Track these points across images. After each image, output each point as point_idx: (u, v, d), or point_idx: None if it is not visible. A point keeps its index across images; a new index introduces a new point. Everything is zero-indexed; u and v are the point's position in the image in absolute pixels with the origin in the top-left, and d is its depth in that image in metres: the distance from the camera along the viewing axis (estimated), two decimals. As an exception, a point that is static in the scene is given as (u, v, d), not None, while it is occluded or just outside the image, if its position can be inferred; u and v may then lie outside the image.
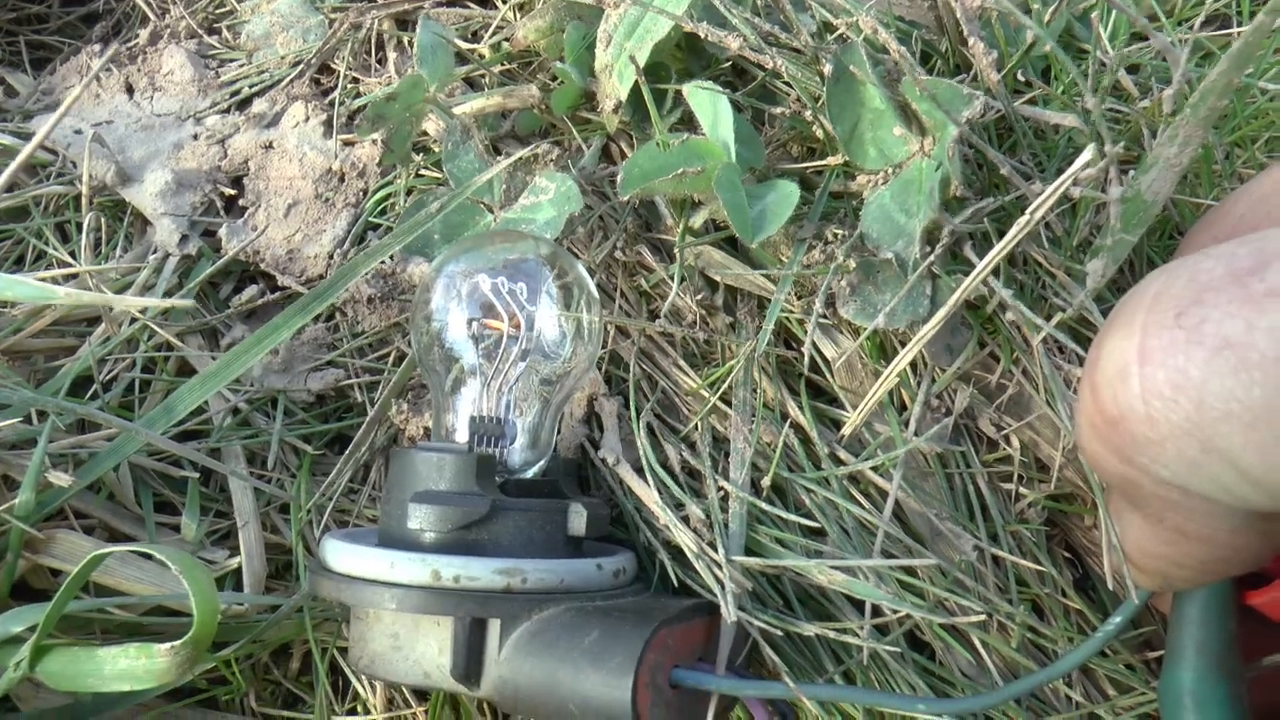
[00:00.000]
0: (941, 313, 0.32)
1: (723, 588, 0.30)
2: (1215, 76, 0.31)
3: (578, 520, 0.31)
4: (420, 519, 0.30)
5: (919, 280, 0.34)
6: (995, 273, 0.32)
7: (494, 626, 0.30)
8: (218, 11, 0.54)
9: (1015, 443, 0.35)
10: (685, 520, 0.32)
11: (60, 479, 0.33)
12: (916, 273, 0.33)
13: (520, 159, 0.38)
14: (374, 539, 0.33)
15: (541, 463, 0.33)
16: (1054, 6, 0.38)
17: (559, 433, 0.36)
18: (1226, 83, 0.31)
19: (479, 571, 0.29)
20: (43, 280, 0.40)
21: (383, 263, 0.40)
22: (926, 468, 0.34)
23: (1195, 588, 0.28)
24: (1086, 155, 0.29)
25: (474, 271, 0.34)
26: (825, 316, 0.35)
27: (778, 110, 0.39)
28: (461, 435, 0.33)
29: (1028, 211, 0.30)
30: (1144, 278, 0.23)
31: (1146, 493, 0.23)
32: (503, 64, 0.46)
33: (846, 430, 0.32)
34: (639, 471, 0.33)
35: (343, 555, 0.31)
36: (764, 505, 0.32)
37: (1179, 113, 0.32)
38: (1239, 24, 0.43)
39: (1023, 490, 0.35)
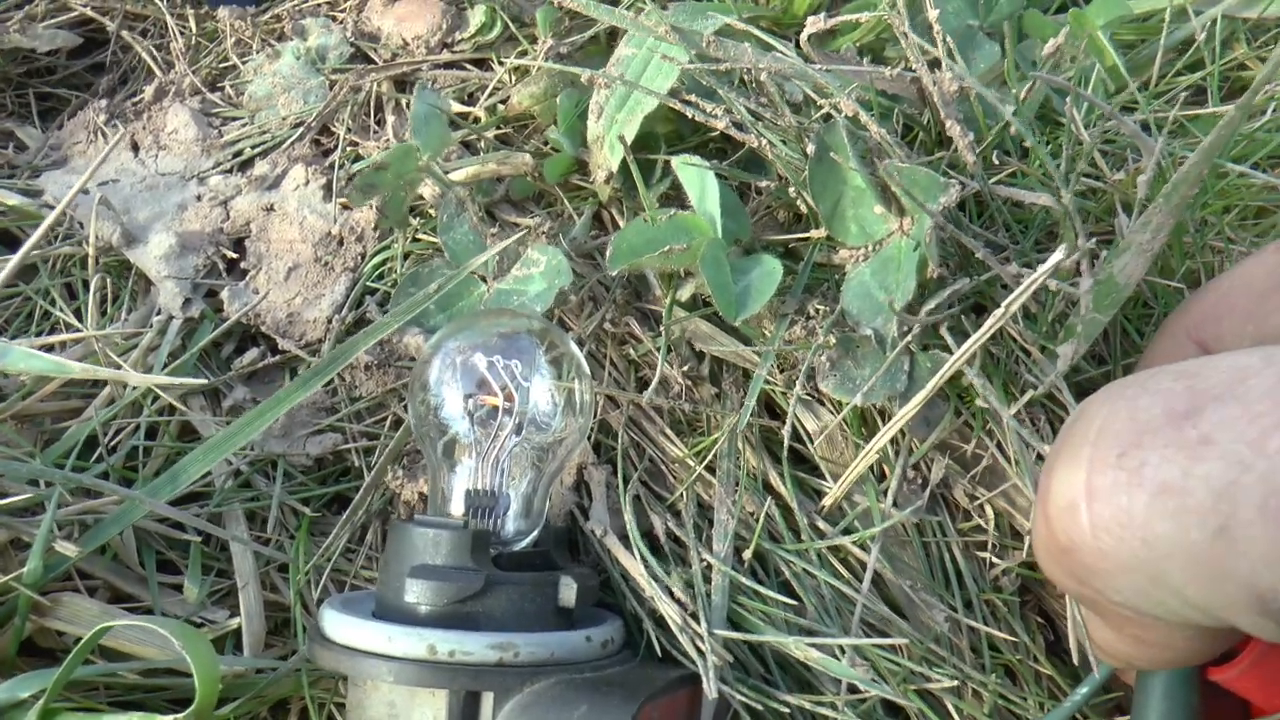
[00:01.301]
0: (919, 396, 0.33)
1: (704, 660, 0.31)
2: (1187, 168, 0.32)
3: (568, 593, 0.32)
4: (417, 593, 0.31)
5: (897, 357, 0.35)
6: (970, 358, 0.33)
7: (487, 699, 0.31)
8: (221, 67, 0.56)
9: (989, 512, 0.36)
10: (669, 591, 0.33)
11: (67, 549, 0.35)
12: (895, 351, 0.35)
13: (517, 237, 0.39)
14: (371, 606, 0.34)
15: (534, 533, 0.35)
16: (1027, 86, 0.39)
17: (550, 501, 0.37)
18: (1198, 173, 0.32)
19: (473, 646, 0.31)
20: (50, 345, 0.42)
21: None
22: (904, 536, 0.35)
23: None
24: (1058, 255, 0.30)
25: (469, 349, 0.35)
26: (808, 393, 0.36)
27: (763, 183, 0.40)
28: (457, 507, 0.34)
29: (1002, 305, 0.31)
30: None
31: (1103, 608, 0.25)
32: (499, 127, 0.48)
33: (827, 502, 0.34)
34: (625, 542, 0.34)
35: (341, 626, 0.32)
36: (744, 579, 0.33)
37: (1152, 199, 0.33)
38: (1212, 97, 0.44)
39: (995, 559, 0.36)
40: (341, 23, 0.53)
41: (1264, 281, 0.28)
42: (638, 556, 0.34)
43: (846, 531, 0.34)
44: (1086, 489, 0.22)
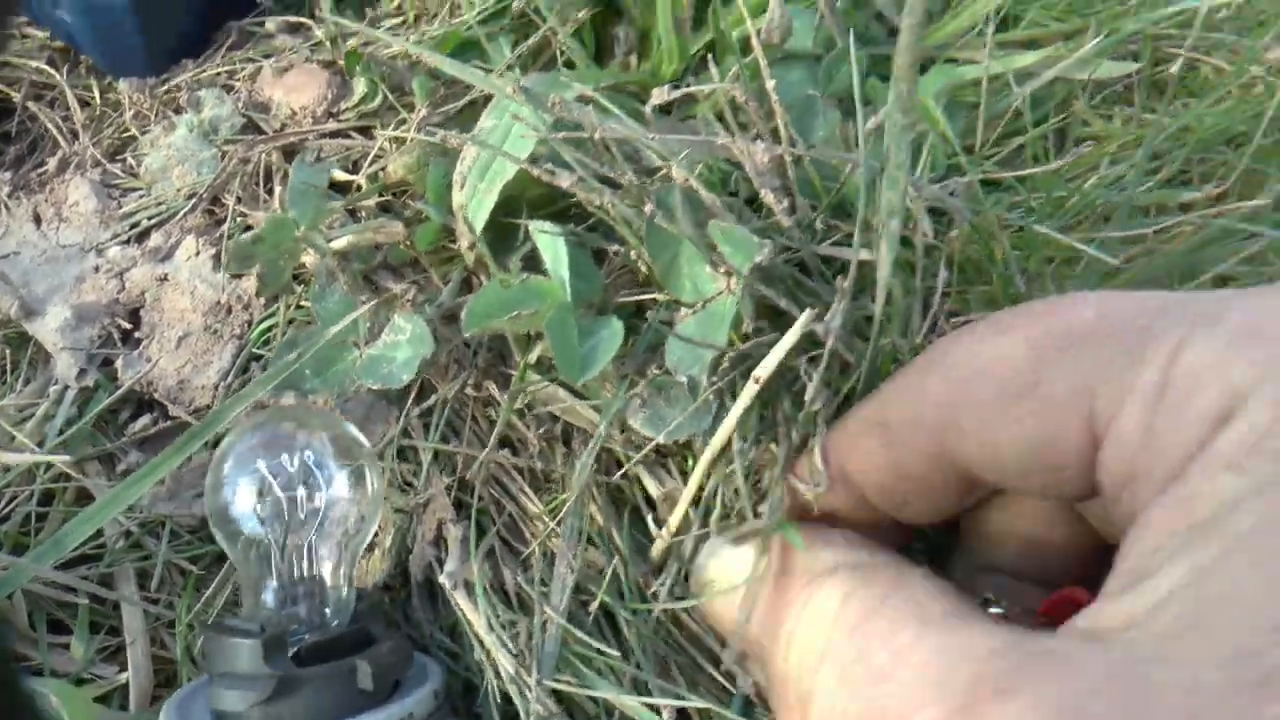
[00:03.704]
0: (717, 436, 0.36)
1: (527, 706, 0.34)
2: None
3: (365, 678, 0.34)
4: (222, 700, 0.34)
5: (704, 401, 0.38)
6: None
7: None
8: (122, 137, 0.58)
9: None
10: (503, 643, 0.36)
11: (-45, 616, 0.37)
12: (702, 395, 0.38)
13: (378, 303, 0.42)
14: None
15: (345, 615, 0.37)
16: (850, 167, 0.42)
17: (410, 553, 0.40)
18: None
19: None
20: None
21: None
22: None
23: None
24: (799, 324, 0.33)
25: (257, 448, 0.37)
26: (652, 455, 0.39)
27: (613, 248, 0.43)
28: (266, 600, 0.37)
29: (760, 365, 0.34)
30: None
31: None
32: (380, 194, 0.50)
33: (654, 554, 0.37)
34: (471, 594, 0.37)
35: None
36: (577, 632, 0.36)
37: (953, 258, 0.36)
38: (1033, 157, 0.48)
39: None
40: (235, 93, 0.56)
41: (1011, 383, 0.26)
42: (480, 609, 0.36)
43: (674, 586, 0.36)
44: None
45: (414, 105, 0.52)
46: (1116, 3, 0.57)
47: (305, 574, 0.37)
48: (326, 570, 0.37)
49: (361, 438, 0.38)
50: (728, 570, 0.33)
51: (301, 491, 0.36)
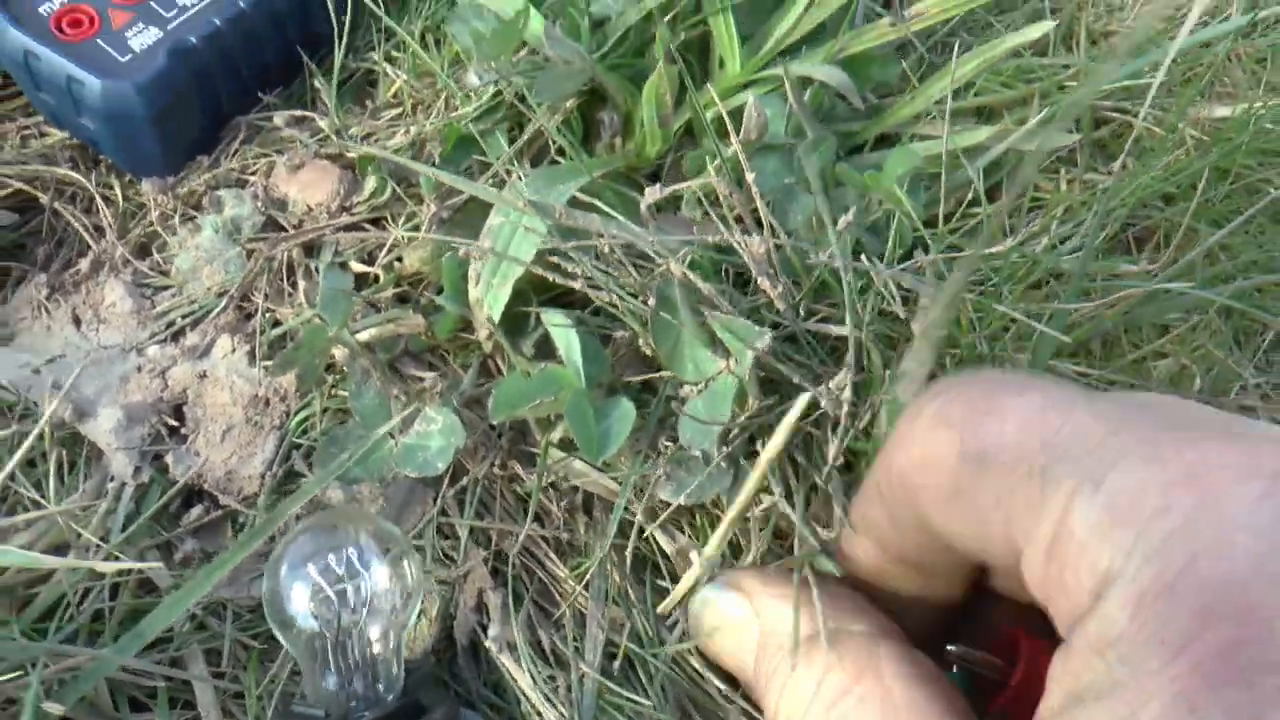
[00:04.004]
0: (739, 500, 0.41)
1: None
2: (935, 316, 0.40)
3: None
4: None
5: (718, 467, 0.43)
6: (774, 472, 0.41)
7: None
8: (148, 231, 0.62)
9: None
10: (548, 698, 0.41)
11: (54, 709, 0.41)
12: (714, 461, 0.43)
13: (411, 399, 0.46)
14: None
15: (397, 688, 0.41)
16: (827, 251, 0.47)
17: (454, 619, 0.44)
18: (945, 318, 0.41)
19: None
20: (16, 522, 0.48)
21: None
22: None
23: None
24: (801, 401, 0.38)
25: (308, 552, 0.41)
26: (668, 520, 0.44)
27: (618, 334, 0.48)
28: (328, 684, 0.41)
29: (776, 431, 0.39)
30: None
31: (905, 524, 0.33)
32: (397, 285, 0.55)
33: (663, 609, 0.42)
34: (515, 655, 0.42)
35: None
36: (609, 684, 0.41)
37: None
38: (996, 235, 0.53)
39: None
40: (252, 188, 0.60)
41: (946, 485, 0.29)
42: (524, 668, 0.41)
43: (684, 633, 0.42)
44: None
45: (421, 196, 0.56)
46: (1059, 68, 0.63)
47: (359, 658, 0.41)
48: (377, 650, 0.42)
49: (396, 530, 0.43)
50: (721, 617, 0.38)
51: (349, 587, 0.41)
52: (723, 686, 0.42)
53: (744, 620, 0.37)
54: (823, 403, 0.39)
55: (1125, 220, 0.59)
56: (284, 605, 0.41)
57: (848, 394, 0.40)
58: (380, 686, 0.42)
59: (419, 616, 0.46)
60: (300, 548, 0.42)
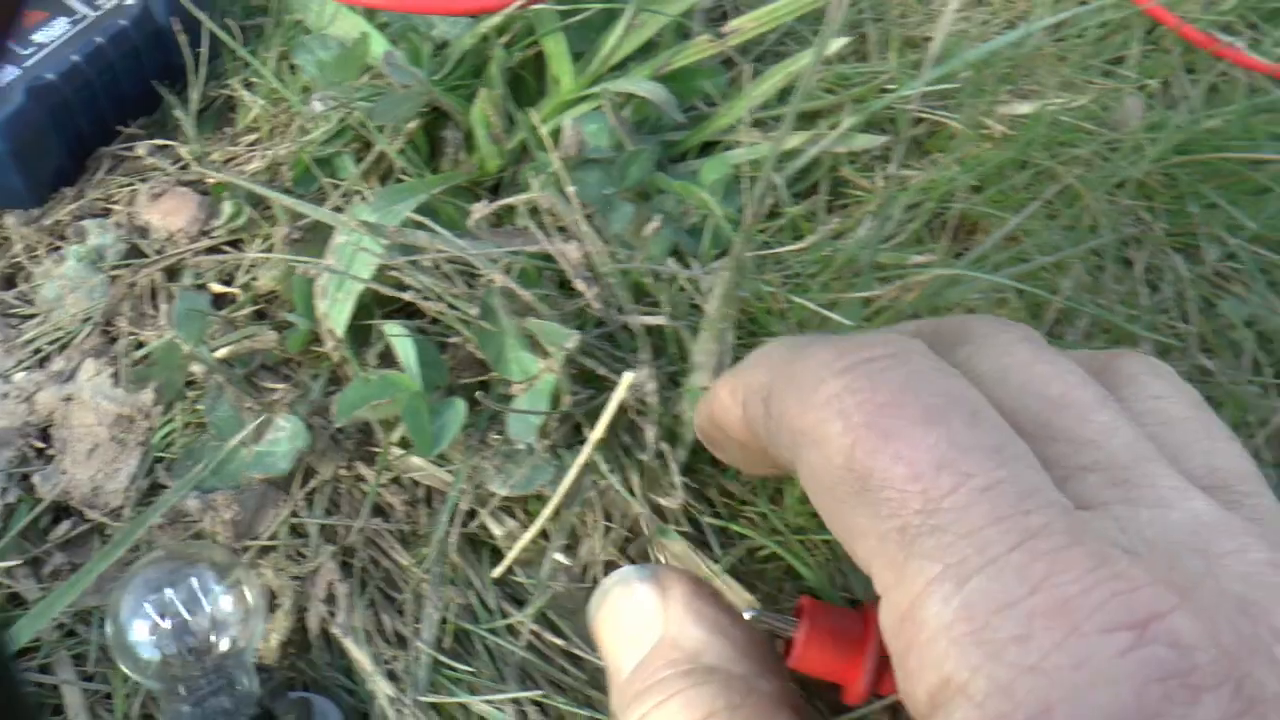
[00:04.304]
0: (561, 486, 0.46)
1: (405, 724, 0.43)
2: (714, 310, 0.45)
3: None
4: None
5: (539, 458, 0.47)
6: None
7: None
8: (13, 263, 0.64)
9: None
10: (388, 674, 0.44)
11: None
12: (534, 454, 0.47)
13: (261, 410, 0.50)
14: None
15: (249, 701, 0.44)
16: (639, 256, 0.51)
17: (306, 611, 0.48)
18: (723, 312, 0.45)
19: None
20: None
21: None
22: (571, 605, 0.47)
23: None
24: (629, 375, 0.42)
25: (147, 588, 0.44)
26: (498, 506, 0.48)
27: (454, 341, 0.52)
28: (184, 708, 0.44)
29: (597, 424, 0.44)
30: None
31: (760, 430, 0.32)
32: (254, 303, 0.58)
33: (494, 574, 0.46)
34: (356, 638, 0.45)
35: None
36: (442, 657, 0.45)
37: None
38: (797, 225, 0.58)
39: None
40: (115, 218, 0.63)
41: (826, 471, 0.27)
42: (365, 650, 0.45)
43: (519, 605, 0.45)
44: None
45: (276, 219, 0.60)
46: (871, 75, 0.68)
47: (206, 683, 0.44)
48: (228, 670, 0.44)
49: (233, 555, 0.46)
50: (629, 603, 0.35)
51: (189, 615, 0.43)
52: (562, 644, 0.46)
53: (649, 619, 0.34)
54: (623, 390, 0.43)
55: (934, 211, 0.64)
56: (127, 641, 0.43)
57: (649, 381, 0.45)
58: (231, 705, 0.45)
59: (271, 614, 0.49)
60: (136, 589, 0.44)
